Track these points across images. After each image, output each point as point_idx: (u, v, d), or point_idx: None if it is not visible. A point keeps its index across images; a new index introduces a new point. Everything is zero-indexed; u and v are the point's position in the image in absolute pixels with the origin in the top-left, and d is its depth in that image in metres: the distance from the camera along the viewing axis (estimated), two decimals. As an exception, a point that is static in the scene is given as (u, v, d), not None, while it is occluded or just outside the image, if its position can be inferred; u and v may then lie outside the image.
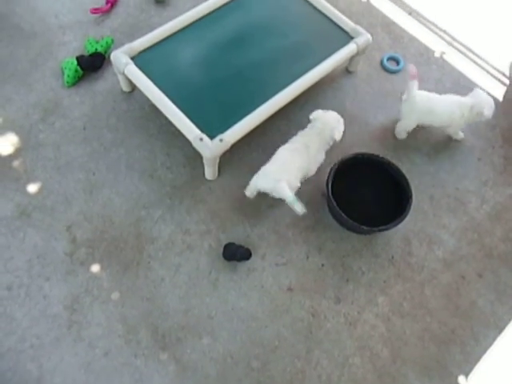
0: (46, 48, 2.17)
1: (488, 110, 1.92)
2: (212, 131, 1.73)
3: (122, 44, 1.97)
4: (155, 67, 1.88)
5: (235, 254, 1.71)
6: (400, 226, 1.72)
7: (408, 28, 2.40)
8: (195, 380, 1.55)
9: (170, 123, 1.79)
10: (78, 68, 2.02)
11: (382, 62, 2.26)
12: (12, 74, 2.08)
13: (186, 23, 2.02)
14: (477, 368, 1.64)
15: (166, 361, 1.57)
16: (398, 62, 2.26)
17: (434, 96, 1.96)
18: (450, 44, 2.38)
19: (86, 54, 2.09)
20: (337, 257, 1.79)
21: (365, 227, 1.70)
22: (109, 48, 2.12)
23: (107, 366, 1.55)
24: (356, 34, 2.04)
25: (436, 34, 2.42)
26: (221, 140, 1.70)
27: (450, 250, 1.85)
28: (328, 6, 2.11)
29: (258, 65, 1.95)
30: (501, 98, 2.22)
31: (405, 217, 1.70)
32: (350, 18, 2.19)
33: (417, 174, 1.98)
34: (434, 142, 2.08)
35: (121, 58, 1.86)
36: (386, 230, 1.71)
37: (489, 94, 2.21)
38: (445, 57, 2.33)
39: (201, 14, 2.06)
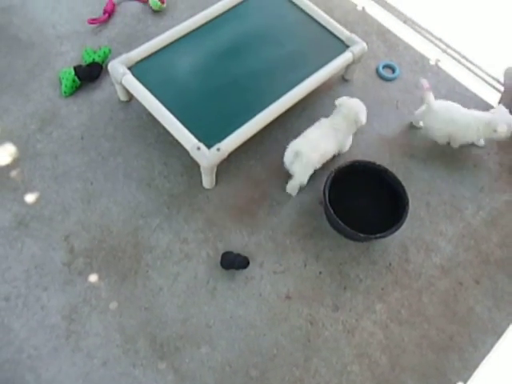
0: (44, 58, 2.18)
1: (502, 128, 1.90)
2: (209, 140, 1.74)
3: (120, 54, 1.98)
4: (152, 77, 1.90)
5: (233, 262, 1.72)
6: (397, 233, 1.73)
7: (403, 36, 2.43)
8: (194, 389, 1.55)
9: (167, 132, 1.80)
10: (76, 78, 2.03)
11: (377, 70, 2.28)
12: (9, 84, 2.09)
13: (182, 33, 2.04)
14: (475, 375, 1.64)
15: (164, 370, 1.57)
16: (393, 70, 2.28)
17: (452, 104, 1.98)
18: (444, 51, 2.41)
19: (84, 63, 2.10)
20: (334, 264, 1.79)
21: (362, 235, 1.71)
22: (106, 58, 2.14)
23: (105, 376, 1.55)
24: (351, 42, 2.06)
25: (431, 41, 2.44)
26: (218, 149, 1.71)
27: (447, 256, 1.85)
28: (323, 15, 2.13)
29: (254, 74, 1.97)
30: (495, 105, 2.24)
31: (401, 224, 1.71)
32: (345, 26, 2.22)
33: (413, 181, 2.00)
34: (430, 149, 2.09)
35: (118, 68, 1.87)
36: (383, 237, 1.72)
37: (482, 100, 2.25)
38: (440, 64, 2.36)
39: (198, 24, 2.07)
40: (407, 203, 1.76)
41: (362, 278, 1.78)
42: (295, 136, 2.02)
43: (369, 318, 1.71)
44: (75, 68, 2.04)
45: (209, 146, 1.72)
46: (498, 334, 1.71)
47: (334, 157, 1.93)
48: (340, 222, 1.71)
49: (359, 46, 2.05)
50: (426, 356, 1.66)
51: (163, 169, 1.92)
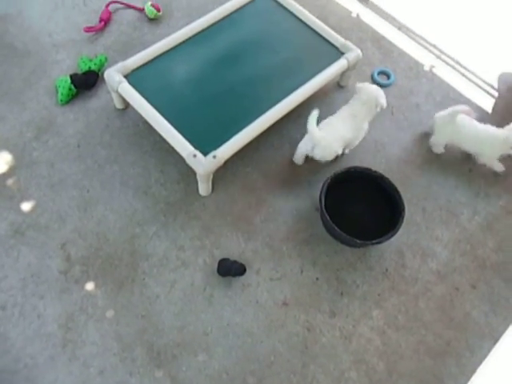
0: (40, 66, 2.18)
1: None
2: (205, 148, 1.74)
3: (116, 61, 1.99)
4: (148, 85, 1.90)
5: (230, 269, 1.72)
6: (393, 238, 1.73)
7: (397, 43, 2.44)
8: (191, 398, 1.55)
9: (163, 140, 1.81)
10: (72, 86, 2.04)
11: (372, 77, 2.29)
12: (5, 92, 2.10)
13: (178, 41, 2.05)
14: (472, 380, 1.64)
15: (161, 378, 1.56)
16: (388, 76, 2.30)
17: (472, 121, 1.99)
18: (438, 57, 2.43)
19: (80, 72, 2.11)
20: (331, 270, 1.79)
21: (358, 241, 1.71)
22: (102, 66, 2.14)
23: (102, 385, 1.54)
24: (346, 49, 2.07)
25: (425, 48, 2.46)
26: (214, 156, 1.72)
27: (443, 261, 1.86)
28: (318, 22, 2.15)
29: (250, 81, 1.98)
30: (490, 110, 2.26)
31: (397, 230, 1.72)
32: (340, 33, 2.23)
33: (409, 187, 2.00)
34: (426, 155, 2.10)
35: (114, 77, 1.88)
36: (380, 243, 1.72)
37: (477, 105, 2.26)
38: (434, 70, 2.37)
39: (193, 32, 2.08)
40: (403, 209, 1.76)
41: (359, 283, 1.78)
42: (291, 142, 2.05)
43: (366, 324, 1.71)
44: (71, 76, 2.05)
45: (205, 154, 1.73)
46: (495, 339, 1.72)
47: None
48: (336, 228, 1.71)
49: (354, 52, 2.06)
50: (423, 362, 1.66)
51: (160, 176, 1.93)
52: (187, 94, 1.91)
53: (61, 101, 2.05)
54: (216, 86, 1.94)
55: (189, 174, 1.85)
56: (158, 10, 2.34)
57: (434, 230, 1.92)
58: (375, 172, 1.85)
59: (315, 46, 2.11)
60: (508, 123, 2.00)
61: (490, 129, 1.99)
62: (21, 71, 2.17)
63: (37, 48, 2.25)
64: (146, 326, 1.64)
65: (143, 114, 1.83)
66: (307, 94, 1.96)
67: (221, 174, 1.89)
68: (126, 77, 1.91)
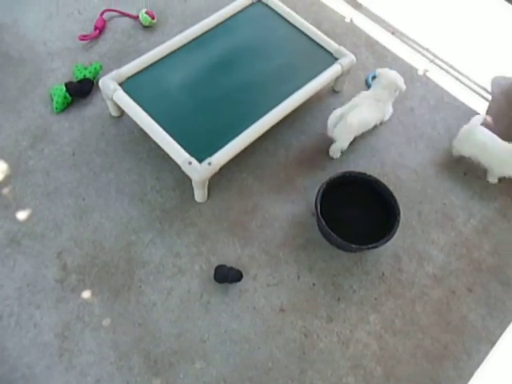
0: (35, 75, 2.19)
1: None
2: (200, 154, 1.75)
3: (111, 69, 1.99)
4: (143, 92, 1.91)
5: (226, 275, 1.72)
6: (389, 242, 1.73)
7: (391, 47, 2.46)
8: (189, 405, 1.54)
9: (159, 147, 1.81)
10: (67, 94, 2.04)
11: (366, 81, 2.30)
12: (1, 101, 2.10)
13: (173, 48, 2.06)
14: (470, 383, 1.64)
15: (158, 387, 1.56)
16: (382, 81, 2.30)
17: (493, 136, 1.98)
18: (432, 62, 2.44)
19: (75, 80, 2.12)
20: (327, 276, 1.80)
21: (354, 245, 1.71)
22: (97, 74, 2.15)
23: (99, 394, 1.54)
24: (340, 55, 2.08)
25: (419, 52, 2.47)
26: (209, 163, 1.72)
27: (439, 265, 1.86)
28: (312, 28, 2.16)
29: (244, 87, 1.98)
30: (484, 114, 2.27)
31: (393, 234, 1.72)
32: (334, 38, 2.25)
33: (404, 191, 2.01)
34: (420, 159, 2.11)
35: (109, 85, 1.88)
36: (375, 247, 1.72)
37: (471, 109, 2.27)
38: (428, 74, 2.39)
39: (188, 39, 2.09)
40: (398, 213, 1.77)
41: (356, 288, 1.78)
42: (286, 148, 2.06)
43: (363, 329, 1.71)
44: (66, 84, 2.05)
45: (200, 161, 1.73)
46: (492, 342, 1.72)
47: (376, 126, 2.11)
48: (332, 233, 1.71)
49: (348, 58, 2.07)
50: (420, 366, 1.66)
51: (155, 183, 1.93)
52: (182, 101, 1.92)
53: (56, 109, 2.06)
54: (210, 93, 1.95)
55: (184, 180, 1.85)
56: (153, 18, 2.35)
57: (429, 234, 1.93)
58: (370, 176, 1.86)
59: (309, 51, 2.12)
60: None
61: (506, 144, 1.96)
62: (16, 80, 2.17)
63: (32, 56, 2.26)
64: (143, 334, 1.64)
65: (138, 122, 1.84)
66: (302, 100, 1.97)
67: (216, 181, 1.90)
68: (120, 84, 1.91)
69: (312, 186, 1.93)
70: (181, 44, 2.08)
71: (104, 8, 2.39)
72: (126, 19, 2.41)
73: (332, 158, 2.05)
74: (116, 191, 1.90)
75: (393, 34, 2.52)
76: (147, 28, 2.38)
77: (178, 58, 2.04)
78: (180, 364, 1.60)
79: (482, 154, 1.99)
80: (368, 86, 2.28)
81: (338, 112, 1.92)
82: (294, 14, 2.20)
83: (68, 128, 2.04)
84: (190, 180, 1.78)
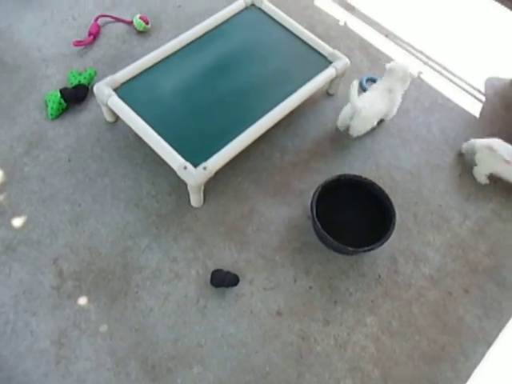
0: (30, 81, 2.18)
1: None
2: (196, 159, 1.75)
3: (105, 75, 1.99)
4: (138, 98, 1.91)
5: (223, 280, 1.71)
6: (385, 244, 1.74)
7: (385, 50, 2.47)
8: (186, 411, 1.54)
9: (154, 152, 1.81)
10: (62, 100, 2.04)
11: (361, 84, 2.31)
12: (-5, 108, 2.10)
13: (167, 53, 2.06)
14: (468, 384, 1.65)
15: (156, 392, 1.56)
16: (376, 83, 2.31)
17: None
18: (426, 64, 2.45)
19: (70, 86, 2.12)
20: (324, 278, 1.80)
21: (350, 248, 1.72)
22: (92, 79, 2.15)
23: (97, 400, 1.53)
24: (334, 58, 2.09)
25: (412, 54, 2.49)
26: (204, 168, 1.72)
27: (435, 266, 1.87)
28: (306, 32, 2.17)
29: (239, 91, 1.99)
30: (478, 115, 2.28)
31: (389, 237, 1.72)
32: (328, 41, 2.25)
33: (400, 193, 2.02)
34: (416, 161, 2.12)
35: (103, 90, 1.88)
36: (371, 250, 1.73)
37: (465, 110, 2.29)
38: (422, 76, 2.40)
39: (182, 44, 2.10)
40: (394, 215, 1.77)
41: (352, 291, 1.79)
42: (281, 151, 2.06)
43: (360, 332, 1.71)
44: (61, 90, 2.05)
45: (195, 165, 1.73)
46: (489, 343, 1.72)
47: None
48: (328, 236, 1.72)
49: (342, 61, 2.08)
50: (418, 367, 1.67)
51: (151, 188, 1.93)
52: (177, 105, 1.92)
53: (51, 115, 2.05)
54: (205, 98, 1.95)
55: (180, 185, 1.85)
56: (147, 23, 2.35)
57: (425, 235, 1.94)
58: (365, 179, 1.87)
59: (303, 55, 2.13)
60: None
61: None
62: (10, 86, 2.17)
63: (26, 63, 2.25)
64: (140, 339, 1.63)
65: (133, 127, 1.84)
66: (296, 103, 1.98)
67: (212, 185, 1.90)
68: (115, 90, 1.91)
69: (308, 189, 1.93)
70: (175, 49, 2.08)
71: (98, 14, 2.40)
72: (121, 25, 2.41)
73: (327, 161, 2.06)
74: (112, 197, 1.90)
75: (386, 36, 2.54)
76: (141, 33, 2.38)
77: (172, 63, 2.05)
78: (177, 369, 1.59)
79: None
80: (362, 88, 2.29)
81: (353, 103, 1.96)
82: (287, 17, 2.21)
83: (63, 134, 2.04)
84: (185, 185, 1.78)
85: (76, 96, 2.08)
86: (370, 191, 1.87)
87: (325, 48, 2.12)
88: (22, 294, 1.69)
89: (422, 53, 2.48)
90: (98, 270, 1.75)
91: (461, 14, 2.69)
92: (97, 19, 2.37)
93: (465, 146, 2.12)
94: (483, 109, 2.31)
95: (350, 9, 2.64)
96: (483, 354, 1.70)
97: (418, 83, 2.37)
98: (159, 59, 2.04)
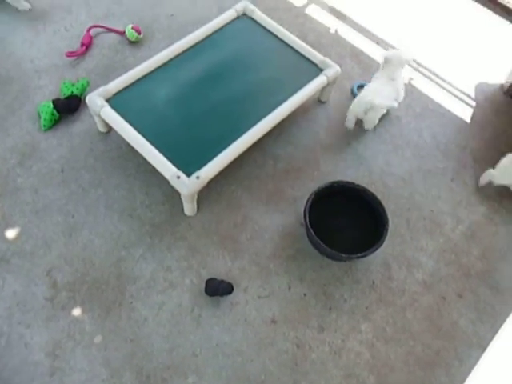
0: (23, 92, 2.19)
1: None
2: (189, 168, 1.75)
3: (98, 85, 2.01)
4: (131, 108, 1.92)
5: (217, 289, 1.72)
6: (379, 251, 1.75)
7: (376, 57, 2.49)
8: (182, 421, 1.53)
9: (147, 162, 1.82)
10: (55, 111, 2.05)
11: (352, 91, 2.33)
12: (-12, 119, 2.10)
13: (159, 63, 2.07)
14: (463, 389, 1.65)
15: (151, 403, 1.55)
16: (368, 90, 2.33)
17: None
18: (416, 70, 2.48)
19: (62, 96, 2.12)
20: (318, 285, 1.80)
21: (343, 255, 1.72)
22: (85, 90, 2.16)
23: (92, 412, 1.53)
24: (325, 66, 2.11)
25: (403, 61, 2.50)
26: (197, 177, 1.73)
27: (429, 271, 1.88)
28: (297, 40, 2.18)
29: (232, 100, 2.00)
30: (468, 120, 2.30)
31: (382, 243, 1.73)
32: (319, 49, 2.28)
33: (392, 199, 2.03)
34: (408, 167, 2.13)
35: (96, 101, 1.89)
36: (365, 256, 1.73)
37: (456, 116, 2.31)
38: (413, 83, 2.42)
39: (174, 53, 2.11)
40: (387, 222, 1.78)
41: (347, 297, 1.79)
42: (274, 159, 2.07)
43: (355, 338, 1.72)
44: (54, 101, 2.06)
45: (188, 174, 1.74)
46: (483, 347, 1.73)
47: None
48: (321, 243, 1.72)
49: (333, 69, 2.10)
50: (413, 373, 1.67)
51: (144, 198, 1.93)
52: (169, 115, 1.93)
53: (44, 126, 2.06)
54: (197, 107, 1.96)
55: (173, 194, 1.86)
56: (139, 33, 2.37)
57: (418, 241, 1.95)
58: (358, 185, 1.88)
59: (295, 63, 2.15)
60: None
61: None
62: (3, 97, 2.17)
63: (19, 74, 2.26)
64: (135, 350, 1.63)
65: (126, 138, 1.84)
66: (288, 111, 1.99)
67: (205, 193, 1.90)
68: (108, 100, 1.92)
69: (301, 197, 1.95)
70: (167, 58, 2.09)
71: (90, 24, 2.41)
72: (113, 35, 2.43)
73: (319, 168, 2.07)
74: (105, 207, 1.90)
75: (377, 43, 2.56)
76: (134, 43, 2.40)
77: (164, 73, 2.06)
78: (173, 379, 1.59)
79: None
80: (354, 95, 2.31)
81: (364, 100, 2.03)
82: (278, 26, 2.23)
83: (56, 145, 2.04)
84: (179, 194, 1.78)
85: (69, 107, 2.09)
86: (363, 198, 1.88)
87: (316, 56, 2.14)
88: (15, 306, 1.68)
89: (413, 59, 2.50)
90: (92, 280, 1.75)
91: (450, 20, 2.73)
92: (89, 30, 2.39)
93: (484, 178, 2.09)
94: (474, 114, 2.33)
95: (341, 17, 2.66)
96: (477, 359, 1.71)
97: (409, 89, 2.38)
98: (151, 69, 2.05)
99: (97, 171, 1.99)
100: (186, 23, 2.47)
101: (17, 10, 2.45)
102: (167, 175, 1.75)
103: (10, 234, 1.82)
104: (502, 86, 2.44)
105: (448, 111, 2.33)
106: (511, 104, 2.38)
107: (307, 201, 1.80)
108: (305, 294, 1.79)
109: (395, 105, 2.15)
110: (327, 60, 2.12)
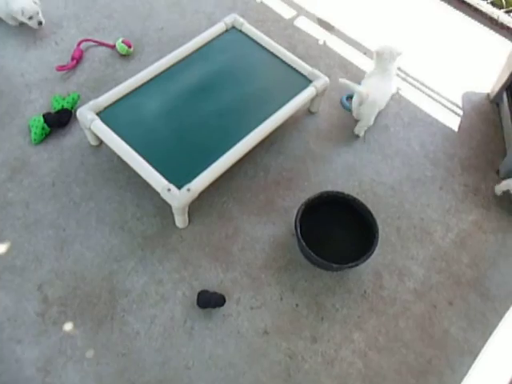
0: (13, 107, 2.19)
1: None
2: (179, 181, 1.76)
3: (89, 98, 2.02)
4: (121, 121, 1.93)
5: (209, 301, 1.72)
6: (370, 260, 1.76)
7: (364, 67, 2.52)
8: None
9: (139, 174, 1.82)
10: (45, 125, 2.05)
11: (341, 101, 2.36)
12: (-22, 134, 2.10)
13: (150, 76, 2.08)
14: (455, 397, 1.66)
15: (144, 418, 1.54)
16: (357, 100, 2.36)
17: None
18: (404, 80, 2.51)
19: (53, 110, 2.13)
20: (310, 296, 1.81)
21: (334, 265, 1.73)
22: (75, 104, 2.17)
23: (84, 428, 1.52)
24: (314, 77, 2.14)
25: (391, 71, 2.54)
26: (188, 190, 1.74)
27: (420, 280, 1.89)
28: (286, 52, 2.21)
29: (222, 112, 2.02)
30: (456, 129, 2.34)
31: (372, 252, 1.75)
32: (308, 60, 2.31)
33: (383, 207, 2.05)
34: (397, 175, 2.15)
35: (86, 115, 1.90)
36: (356, 266, 1.75)
37: (444, 125, 2.34)
38: (401, 92, 2.45)
39: (165, 66, 2.12)
40: (377, 231, 1.80)
41: (339, 307, 1.80)
42: (265, 170, 2.08)
43: (347, 348, 1.72)
44: (44, 115, 2.06)
45: (179, 187, 1.75)
46: (474, 355, 1.74)
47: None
48: (312, 253, 1.73)
49: (321, 80, 2.13)
50: (406, 382, 1.67)
51: (136, 211, 1.94)
52: (160, 128, 1.94)
53: (34, 140, 2.06)
54: (188, 119, 1.98)
55: (165, 207, 1.86)
56: (129, 46, 2.38)
57: (409, 249, 1.96)
58: (348, 195, 1.89)
59: (284, 75, 2.17)
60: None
61: None
62: (-7, 112, 2.18)
63: (9, 88, 2.26)
64: (127, 364, 1.62)
65: (116, 151, 1.85)
66: (278, 123, 2.01)
67: (197, 205, 1.91)
68: (98, 114, 1.93)
69: (292, 207, 1.96)
70: (158, 72, 2.11)
71: (81, 38, 2.42)
72: (103, 49, 2.44)
73: (310, 178, 2.09)
74: (96, 220, 1.90)
75: (365, 54, 2.59)
76: (124, 57, 2.41)
77: (155, 86, 2.07)
78: (165, 393, 1.59)
79: None
80: (343, 106, 2.34)
81: (359, 92, 2.08)
82: (267, 39, 2.25)
83: (47, 159, 2.04)
84: (170, 206, 1.79)
85: (59, 121, 2.09)
86: (353, 207, 1.89)
87: (304, 67, 2.16)
88: (6, 322, 1.67)
89: (399, 69, 2.54)
90: (83, 294, 1.74)
91: (437, 31, 2.77)
92: (79, 44, 2.40)
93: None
94: (461, 123, 2.36)
95: (330, 28, 2.70)
96: (469, 366, 1.72)
97: (397, 99, 2.42)
98: (142, 82, 2.06)
99: (88, 184, 1.99)
100: (176, 36, 2.50)
101: (7, 24, 2.46)
102: (158, 188, 1.76)
103: (1, 249, 1.82)
104: (488, 94, 2.48)
105: (436, 120, 2.36)
106: (497, 112, 2.41)
107: (297, 212, 1.81)
108: (297, 305, 1.79)
109: (380, 107, 2.22)
110: (316, 71, 2.15)
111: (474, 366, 1.72)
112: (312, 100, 2.20)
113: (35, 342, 1.64)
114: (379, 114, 2.32)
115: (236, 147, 1.88)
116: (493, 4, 2.79)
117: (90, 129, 1.92)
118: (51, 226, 1.88)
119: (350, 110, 2.32)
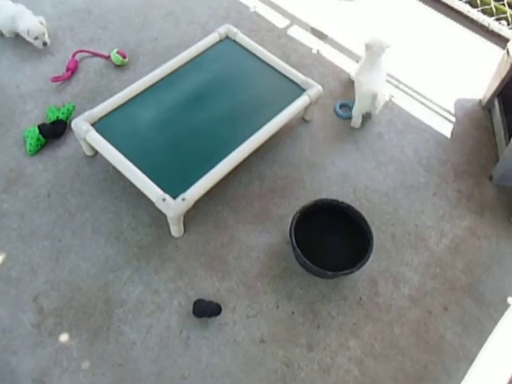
0: (8, 118, 2.20)
1: None
2: (174, 191, 1.77)
3: (84, 109, 2.03)
4: (116, 131, 1.94)
5: (205, 310, 1.72)
6: (365, 267, 1.77)
7: (357, 75, 2.54)
8: None
9: (134, 184, 1.83)
10: (40, 136, 2.06)
11: (335, 109, 2.38)
12: (-26, 145, 2.11)
13: (144, 86, 2.10)
14: (451, 403, 1.66)
15: (140, 429, 1.54)
16: (350, 108, 2.37)
17: None
18: (397, 87, 2.54)
19: (48, 121, 2.14)
20: (306, 303, 1.81)
21: (329, 272, 1.74)
22: (70, 114, 2.18)
23: None
24: (307, 86, 2.16)
25: (384, 78, 2.57)
26: (183, 199, 1.75)
27: (415, 286, 1.90)
28: (279, 61, 2.23)
29: (216, 122, 2.03)
30: (449, 135, 2.36)
31: (367, 259, 1.76)
32: (302, 69, 2.33)
33: (377, 214, 2.06)
34: (391, 182, 2.17)
35: (81, 126, 1.91)
36: (351, 273, 1.75)
37: (437, 132, 2.36)
38: (393, 100, 2.48)
39: (159, 77, 2.14)
40: (371, 238, 1.81)
41: (334, 314, 1.80)
42: (260, 178, 2.09)
43: (343, 355, 1.72)
44: (39, 126, 2.07)
45: (174, 197, 1.76)
46: (470, 360, 1.75)
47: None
48: (307, 261, 1.74)
49: (315, 88, 2.15)
50: (402, 389, 1.68)
51: (131, 221, 1.94)
52: (155, 138, 1.95)
53: (29, 151, 2.07)
54: (183, 129, 1.99)
55: (160, 216, 1.86)
56: (124, 57, 2.40)
57: (404, 256, 1.97)
58: (342, 203, 1.91)
59: (278, 84, 2.19)
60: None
61: None
62: (-11, 123, 2.18)
63: (4, 99, 2.27)
64: (123, 374, 1.62)
65: (111, 161, 1.86)
66: (272, 131, 2.02)
67: (192, 214, 1.92)
68: (93, 125, 1.94)
69: (287, 215, 1.97)
70: (152, 82, 2.12)
71: (76, 49, 2.44)
72: (98, 59, 2.46)
73: (305, 186, 2.10)
74: (92, 231, 1.91)
75: (357, 62, 2.61)
76: (119, 67, 2.43)
77: (149, 96, 2.09)
78: (162, 403, 1.58)
79: None
80: (337, 114, 2.36)
81: (368, 93, 2.16)
82: (261, 48, 2.27)
83: (42, 170, 2.05)
84: (165, 216, 1.80)
85: (54, 132, 2.10)
86: (348, 214, 1.91)
87: (298, 76, 2.18)
88: (1, 333, 1.67)
89: (392, 76, 2.57)
90: (79, 305, 1.74)
91: (429, 38, 2.80)
92: (74, 54, 2.41)
93: None
94: (454, 129, 2.39)
95: (323, 37, 2.72)
96: (465, 372, 1.72)
97: (390, 106, 2.44)
98: (137, 92, 2.08)
99: (83, 195, 2.00)
100: (171, 46, 2.52)
101: (1, 36, 2.48)
102: (153, 198, 1.77)
103: (-4, 260, 1.82)
104: (480, 101, 2.50)
105: (429, 127, 2.38)
106: (490, 118, 2.44)
107: (292, 220, 1.82)
108: (293, 313, 1.80)
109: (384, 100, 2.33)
110: (309, 80, 2.17)
111: (469, 371, 1.72)
112: (306, 108, 2.21)
113: (31, 353, 1.64)
114: (372, 121, 2.36)
115: (231, 156, 1.90)
116: (483, 12, 2.83)
117: (85, 139, 1.93)
118: (47, 237, 1.88)
119: (343, 118, 2.35)
